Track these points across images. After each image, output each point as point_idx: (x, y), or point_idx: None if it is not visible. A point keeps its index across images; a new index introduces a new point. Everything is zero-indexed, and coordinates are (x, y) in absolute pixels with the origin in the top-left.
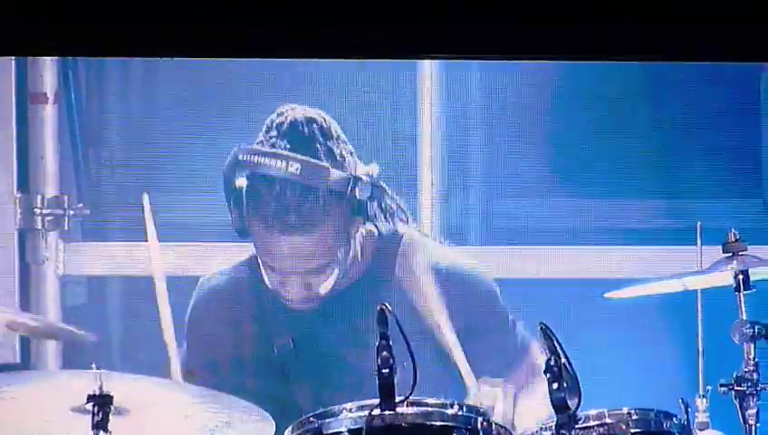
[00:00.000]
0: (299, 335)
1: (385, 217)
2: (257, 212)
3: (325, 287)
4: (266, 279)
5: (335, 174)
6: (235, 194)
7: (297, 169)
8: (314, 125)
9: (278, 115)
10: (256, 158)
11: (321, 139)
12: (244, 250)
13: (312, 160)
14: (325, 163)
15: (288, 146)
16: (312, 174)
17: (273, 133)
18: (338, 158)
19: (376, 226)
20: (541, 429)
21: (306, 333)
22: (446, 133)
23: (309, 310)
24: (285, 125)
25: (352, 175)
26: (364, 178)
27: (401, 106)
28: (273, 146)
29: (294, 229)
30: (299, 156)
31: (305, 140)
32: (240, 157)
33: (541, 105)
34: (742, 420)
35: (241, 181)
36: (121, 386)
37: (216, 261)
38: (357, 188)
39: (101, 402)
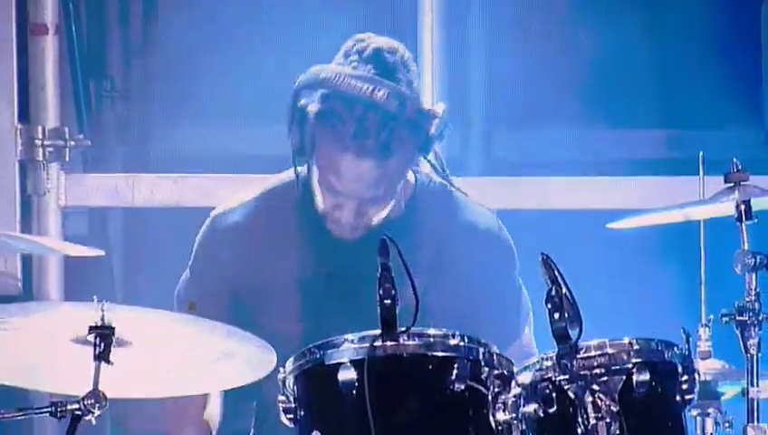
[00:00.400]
0: (337, 263)
1: (435, 159)
2: (333, 132)
3: (378, 217)
4: (319, 201)
5: (416, 105)
6: (302, 112)
7: (384, 95)
8: (397, 55)
9: (358, 41)
10: (342, 79)
11: (403, 69)
12: (253, 183)
13: (400, 88)
14: (410, 93)
15: (374, 71)
16: (397, 102)
17: (354, 57)
18: (416, 91)
19: (430, 164)
20: (542, 359)
21: (344, 264)
22: (446, 63)
23: (352, 239)
24: (368, 51)
25: (431, 110)
26: (441, 113)
27: (402, 37)
28: (354, 69)
29: (371, 154)
30: (386, 81)
31: (389, 68)
32: (322, 75)
33: (541, 36)
34: (743, 350)
35: (315, 100)
36: (123, 318)
37: (228, 192)
38: (433, 124)
39: (103, 334)
